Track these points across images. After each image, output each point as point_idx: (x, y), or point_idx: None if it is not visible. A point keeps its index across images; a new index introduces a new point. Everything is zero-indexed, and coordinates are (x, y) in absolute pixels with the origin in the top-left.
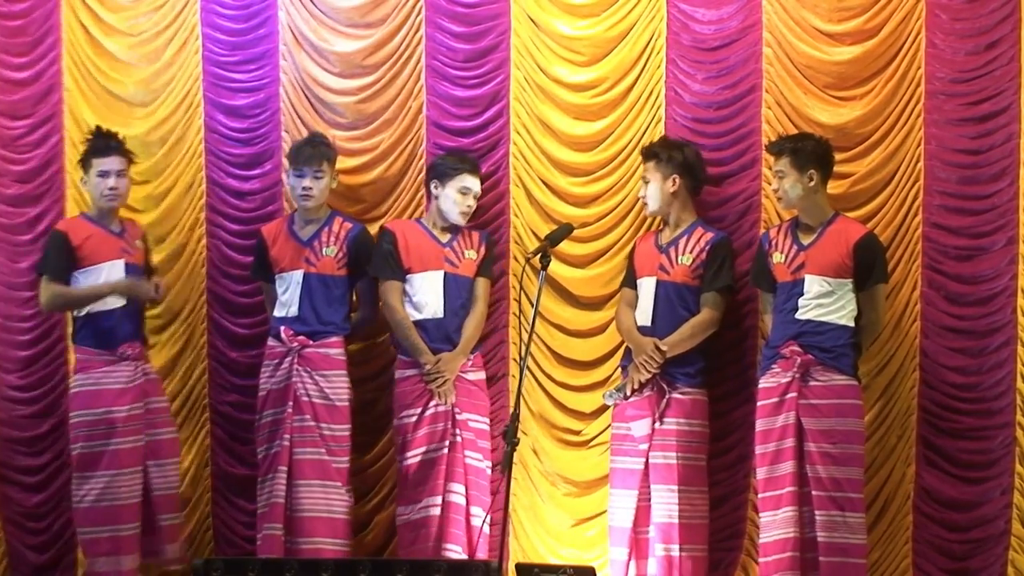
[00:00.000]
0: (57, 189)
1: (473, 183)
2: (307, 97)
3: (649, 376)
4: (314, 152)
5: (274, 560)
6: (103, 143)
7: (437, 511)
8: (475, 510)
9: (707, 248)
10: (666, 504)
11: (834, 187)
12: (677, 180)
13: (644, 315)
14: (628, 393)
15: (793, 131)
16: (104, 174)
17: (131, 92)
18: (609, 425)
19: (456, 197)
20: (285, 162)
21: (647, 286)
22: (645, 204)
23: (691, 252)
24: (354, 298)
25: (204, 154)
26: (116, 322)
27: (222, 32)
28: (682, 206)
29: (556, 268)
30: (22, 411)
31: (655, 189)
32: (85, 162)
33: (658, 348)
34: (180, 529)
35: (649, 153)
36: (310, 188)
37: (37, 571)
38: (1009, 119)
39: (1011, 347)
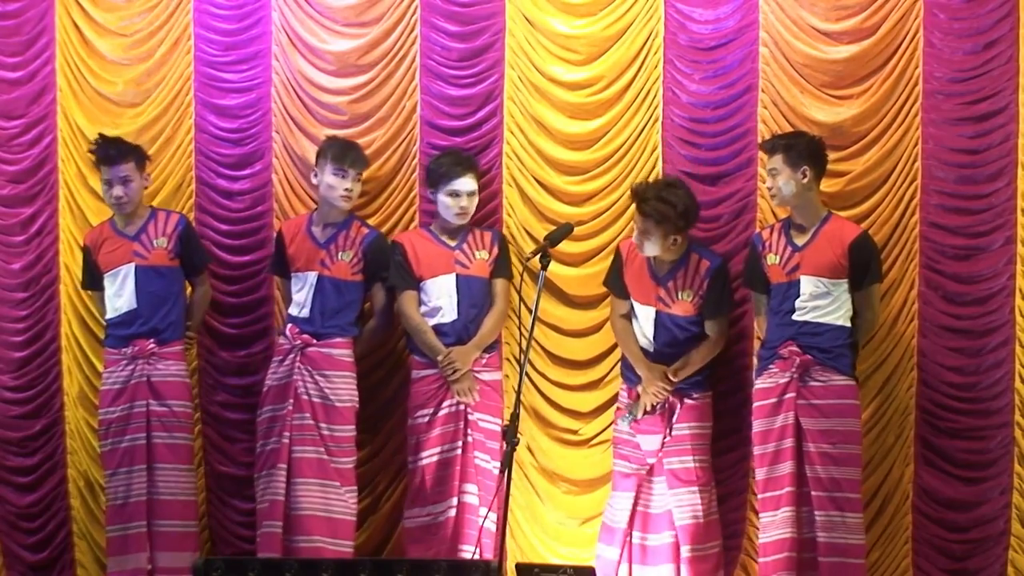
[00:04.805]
0: (50, 189)
1: (462, 184)
2: (299, 97)
3: (660, 400)
4: (359, 156)
5: (274, 560)
6: (103, 151)
7: (453, 512)
8: (483, 511)
9: (706, 279)
10: (690, 506)
11: (830, 185)
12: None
13: (644, 339)
14: (639, 416)
15: (789, 130)
16: (108, 183)
17: (121, 92)
18: (610, 424)
19: (447, 201)
20: (276, 163)
21: (646, 314)
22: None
23: (691, 287)
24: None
25: (194, 154)
26: (122, 320)
27: (215, 32)
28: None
29: (551, 267)
30: (14, 411)
31: (656, 244)
32: (97, 167)
33: (668, 378)
34: (179, 538)
35: (661, 218)
36: (351, 190)
37: (33, 571)
38: (1007, 119)
39: (1009, 347)
